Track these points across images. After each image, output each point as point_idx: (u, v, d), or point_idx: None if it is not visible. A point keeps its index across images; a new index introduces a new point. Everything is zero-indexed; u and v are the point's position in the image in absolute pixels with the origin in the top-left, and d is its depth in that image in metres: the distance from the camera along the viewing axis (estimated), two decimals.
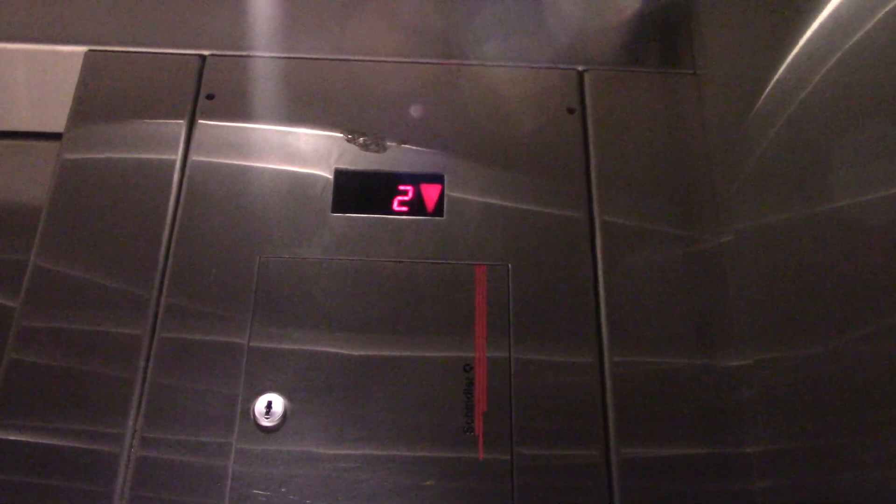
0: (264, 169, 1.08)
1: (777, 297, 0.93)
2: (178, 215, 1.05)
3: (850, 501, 0.79)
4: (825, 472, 0.83)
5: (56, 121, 1.12)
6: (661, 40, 1.20)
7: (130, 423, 0.93)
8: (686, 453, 0.95)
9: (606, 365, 0.99)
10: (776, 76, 0.95)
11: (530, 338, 1.00)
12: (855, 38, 0.82)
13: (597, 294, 1.03)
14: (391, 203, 1.07)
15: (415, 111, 1.13)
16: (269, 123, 1.11)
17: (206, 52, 1.16)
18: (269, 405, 0.94)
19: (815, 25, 0.89)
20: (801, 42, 0.91)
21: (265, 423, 0.94)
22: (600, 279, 1.03)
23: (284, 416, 0.94)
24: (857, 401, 0.79)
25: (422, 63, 1.17)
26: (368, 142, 1.11)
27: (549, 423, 0.96)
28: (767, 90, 0.96)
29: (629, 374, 0.98)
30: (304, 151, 1.10)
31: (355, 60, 1.17)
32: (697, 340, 1.00)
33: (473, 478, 0.93)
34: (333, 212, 1.06)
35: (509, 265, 1.04)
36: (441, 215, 1.07)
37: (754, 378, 0.95)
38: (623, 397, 0.97)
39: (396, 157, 1.10)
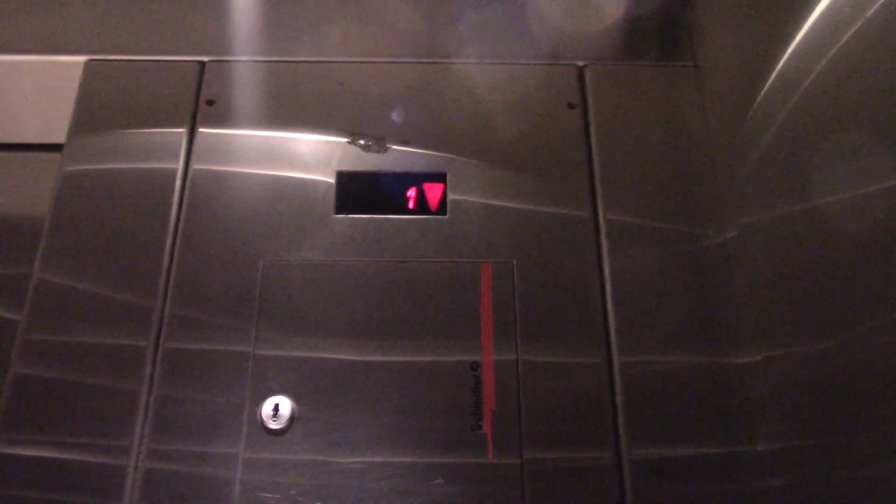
0: (266, 174, 1.08)
1: (784, 292, 0.92)
2: (181, 224, 1.04)
3: (863, 498, 0.78)
4: (838, 469, 0.82)
5: (57, 132, 1.11)
6: (660, 33, 1.19)
7: (137, 434, 0.93)
8: (697, 453, 0.94)
9: (615, 365, 0.98)
10: (777, 67, 0.94)
11: (537, 336, 0.99)
12: (855, 27, 0.81)
13: (603, 291, 1.02)
14: (394, 203, 1.07)
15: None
16: (270, 128, 1.11)
17: (204, 58, 1.16)
18: (277, 407, 0.94)
19: (815, 15, 0.88)
20: (802, 32, 0.90)
21: (272, 425, 0.94)
22: (606, 276, 1.02)
23: (292, 418, 0.94)
24: (868, 396, 0.78)
25: (421, 63, 1.17)
26: (369, 143, 1.10)
27: (558, 424, 0.95)
28: (769, 82, 0.95)
29: (638, 373, 0.98)
30: (306, 155, 1.10)
31: (355, 62, 1.16)
32: (705, 338, 0.99)
33: (483, 481, 0.92)
34: (336, 213, 1.06)
35: (514, 262, 1.03)
36: (444, 214, 1.06)
37: (764, 375, 0.94)
38: (632, 397, 0.96)
39: (398, 157, 1.10)
